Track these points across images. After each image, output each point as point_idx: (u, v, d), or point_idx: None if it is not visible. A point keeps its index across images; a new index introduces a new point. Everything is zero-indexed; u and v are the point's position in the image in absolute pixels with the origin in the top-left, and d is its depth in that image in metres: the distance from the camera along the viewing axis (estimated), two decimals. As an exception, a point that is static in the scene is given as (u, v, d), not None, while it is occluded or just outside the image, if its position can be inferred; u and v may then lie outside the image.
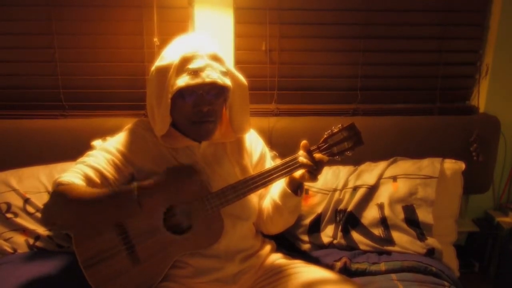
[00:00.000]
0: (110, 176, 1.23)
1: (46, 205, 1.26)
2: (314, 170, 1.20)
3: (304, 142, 1.23)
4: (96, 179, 1.21)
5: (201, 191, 1.23)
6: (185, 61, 1.19)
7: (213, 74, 1.19)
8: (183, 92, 1.20)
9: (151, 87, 1.25)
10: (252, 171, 1.37)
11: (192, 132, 1.28)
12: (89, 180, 1.20)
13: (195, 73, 1.18)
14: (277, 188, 1.35)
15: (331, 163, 1.25)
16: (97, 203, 1.16)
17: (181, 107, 1.23)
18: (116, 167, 1.25)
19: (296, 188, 1.30)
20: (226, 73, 1.24)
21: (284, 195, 1.30)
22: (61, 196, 1.16)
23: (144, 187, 1.15)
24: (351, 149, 1.24)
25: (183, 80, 1.18)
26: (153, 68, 1.26)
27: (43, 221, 1.51)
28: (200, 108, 1.22)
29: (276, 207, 1.35)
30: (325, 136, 1.24)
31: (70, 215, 1.19)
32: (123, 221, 1.23)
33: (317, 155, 1.21)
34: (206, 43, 1.24)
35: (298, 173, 1.24)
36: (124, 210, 1.18)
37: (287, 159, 1.24)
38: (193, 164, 1.26)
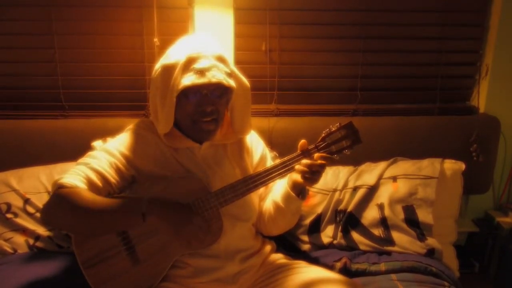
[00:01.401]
0: (112, 180, 1.23)
1: (46, 206, 1.23)
2: (311, 176, 1.20)
3: (302, 141, 1.23)
4: (99, 182, 1.21)
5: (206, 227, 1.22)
6: (191, 60, 1.19)
7: (218, 75, 1.19)
8: (187, 91, 1.20)
9: (156, 84, 1.25)
10: (252, 172, 1.37)
11: (193, 131, 1.28)
12: (91, 184, 1.20)
13: (201, 72, 1.18)
14: (279, 191, 1.34)
15: (331, 163, 1.24)
16: (104, 214, 1.15)
17: (184, 106, 1.23)
18: (119, 171, 1.25)
19: (299, 191, 1.29)
20: (231, 74, 1.24)
21: (287, 198, 1.30)
22: (64, 199, 1.15)
23: (154, 203, 1.16)
24: (349, 148, 1.24)
25: (189, 79, 1.18)
26: (158, 65, 1.26)
27: (42, 222, 1.51)
28: (204, 108, 1.22)
29: (278, 210, 1.34)
30: (323, 135, 1.24)
31: (73, 220, 1.18)
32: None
33: (317, 155, 1.21)
34: (211, 43, 1.24)
35: (300, 177, 1.23)
36: (130, 221, 1.18)
37: (286, 158, 1.24)
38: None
